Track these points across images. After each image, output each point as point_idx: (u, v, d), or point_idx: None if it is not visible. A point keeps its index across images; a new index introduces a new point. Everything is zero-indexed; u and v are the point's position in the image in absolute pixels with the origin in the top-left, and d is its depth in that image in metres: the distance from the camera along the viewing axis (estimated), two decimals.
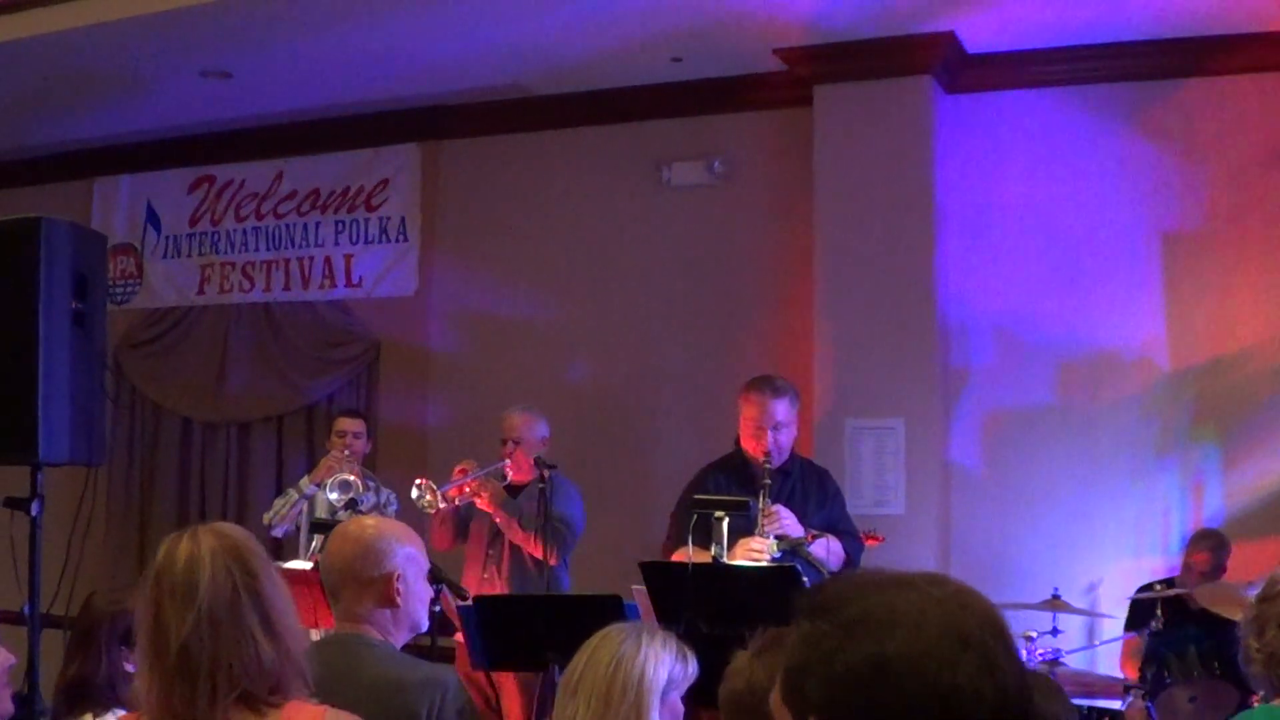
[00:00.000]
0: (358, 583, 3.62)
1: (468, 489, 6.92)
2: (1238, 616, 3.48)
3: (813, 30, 7.32)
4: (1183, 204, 7.34)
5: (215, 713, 2.55)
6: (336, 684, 3.08)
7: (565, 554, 6.98)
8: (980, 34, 7.29)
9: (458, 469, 6.95)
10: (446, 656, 6.49)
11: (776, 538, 5.88)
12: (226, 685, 2.56)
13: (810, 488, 6.45)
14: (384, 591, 3.62)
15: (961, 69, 7.57)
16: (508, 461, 7.01)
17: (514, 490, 7.05)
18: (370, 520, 3.93)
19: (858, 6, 6.94)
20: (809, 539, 5.99)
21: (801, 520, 6.11)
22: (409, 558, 3.70)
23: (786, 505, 6.15)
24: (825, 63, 7.57)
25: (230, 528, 2.79)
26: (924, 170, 7.48)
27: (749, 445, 6.35)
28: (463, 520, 7.20)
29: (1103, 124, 7.48)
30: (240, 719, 2.57)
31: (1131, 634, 6.83)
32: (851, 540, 6.39)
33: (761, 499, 5.99)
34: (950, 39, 7.29)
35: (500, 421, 7.22)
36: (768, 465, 6.17)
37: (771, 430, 6.28)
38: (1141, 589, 6.86)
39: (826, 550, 6.13)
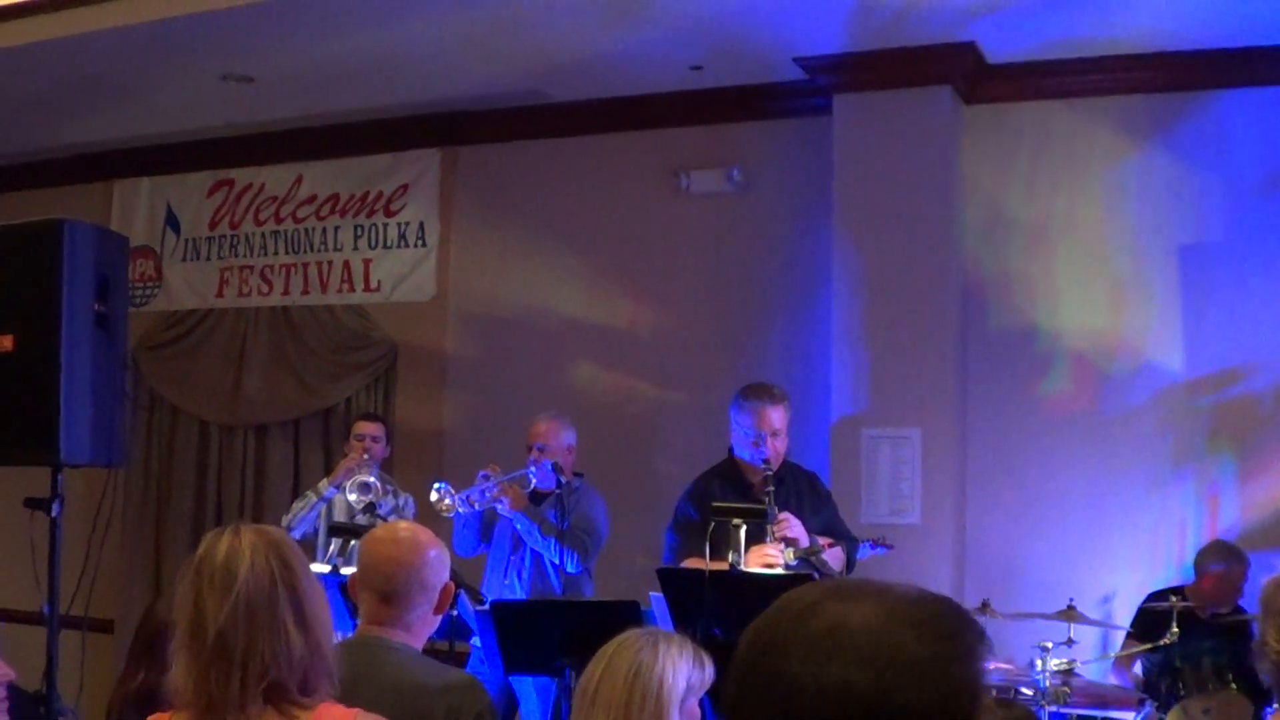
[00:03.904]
0: (422, 590, 3.68)
1: (489, 494, 6.93)
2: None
3: (833, 39, 7.33)
4: (1201, 216, 7.34)
5: (246, 699, 2.59)
6: (358, 686, 3.10)
7: (588, 561, 6.99)
8: (1001, 45, 7.29)
9: (481, 473, 6.96)
10: (460, 661, 6.51)
11: (786, 543, 5.89)
12: (258, 673, 2.61)
13: (804, 492, 6.46)
14: (442, 600, 3.70)
15: (982, 79, 7.56)
16: (533, 468, 7.01)
17: (537, 499, 7.06)
18: (409, 526, 3.98)
19: (879, 16, 6.95)
20: (825, 546, 6.01)
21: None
22: (449, 566, 3.79)
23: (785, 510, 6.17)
24: (846, 72, 7.58)
25: (271, 528, 2.87)
26: (943, 180, 7.48)
27: (747, 453, 6.35)
28: (486, 525, 7.21)
29: (1121, 136, 7.48)
30: None
31: (1136, 644, 6.81)
32: (848, 542, 6.41)
33: (768, 506, 5.99)
34: (971, 49, 7.30)
35: (527, 428, 7.23)
36: (768, 472, 6.18)
37: (770, 437, 6.29)
38: (1153, 595, 6.85)
39: (839, 560, 6.15)
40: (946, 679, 1.47)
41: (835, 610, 1.51)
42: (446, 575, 3.75)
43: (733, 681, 1.56)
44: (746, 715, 1.53)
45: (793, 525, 5.99)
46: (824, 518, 6.41)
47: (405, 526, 3.95)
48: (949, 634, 1.51)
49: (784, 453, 6.43)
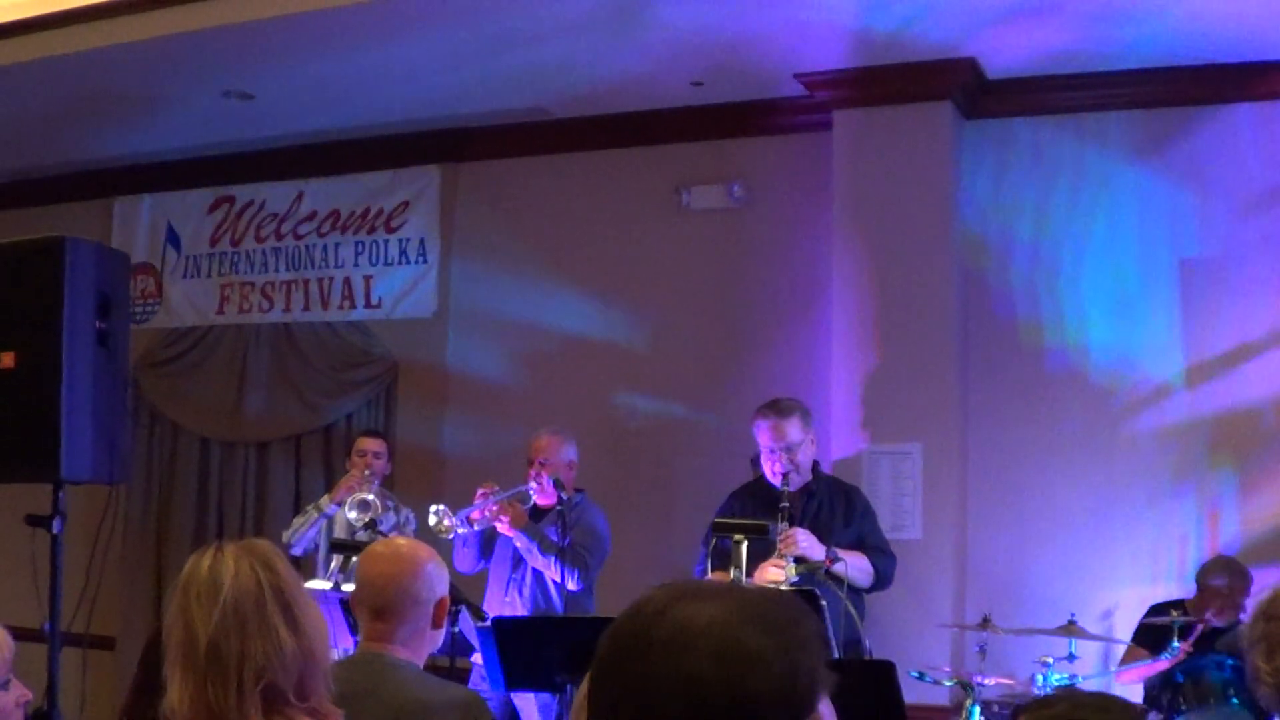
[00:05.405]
0: (414, 604, 3.67)
1: (489, 512, 6.90)
2: None
3: (833, 55, 7.33)
4: (1201, 231, 7.34)
5: (245, 706, 2.60)
6: (360, 703, 3.10)
7: (590, 578, 6.97)
8: (1001, 60, 7.30)
9: (480, 491, 6.94)
10: (461, 677, 6.50)
11: (795, 560, 5.88)
12: (253, 677, 2.62)
13: (837, 506, 6.45)
14: (437, 614, 3.69)
15: (981, 95, 7.57)
16: (533, 484, 6.99)
17: (538, 514, 7.04)
18: (407, 541, 3.99)
19: (879, 32, 6.95)
20: (828, 563, 5.99)
21: (826, 539, 6.10)
22: (446, 580, 3.76)
23: (812, 525, 6.16)
24: (846, 88, 7.59)
25: (255, 539, 2.90)
26: (943, 196, 7.49)
27: (765, 468, 6.37)
28: (486, 542, 7.19)
29: (1122, 151, 7.48)
30: None
31: (1142, 655, 6.79)
32: (881, 555, 6.39)
33: (779, 522, 5.98)
34: (971, 65, 7.30)
35: (528, 442, 7.22)
36: (786, 488, 6.17)
37: (785, 451, 6.29)
38: (1154, 608, 6.82)
39: (847, 568, 6.11)
40: (785, 668, 1.61)
41: (685, 610, 1.64)
42: (442, 590, 3.73)
43: (595, 682, 1.69)
44: (609, 714, 1.65)
45: (800, 540, 5.97)
46: (857, 531, 6.41)
47: (404, 542, 3.95)
48: (785, 626, 1.65)
49: (809, 465, 6.44)
